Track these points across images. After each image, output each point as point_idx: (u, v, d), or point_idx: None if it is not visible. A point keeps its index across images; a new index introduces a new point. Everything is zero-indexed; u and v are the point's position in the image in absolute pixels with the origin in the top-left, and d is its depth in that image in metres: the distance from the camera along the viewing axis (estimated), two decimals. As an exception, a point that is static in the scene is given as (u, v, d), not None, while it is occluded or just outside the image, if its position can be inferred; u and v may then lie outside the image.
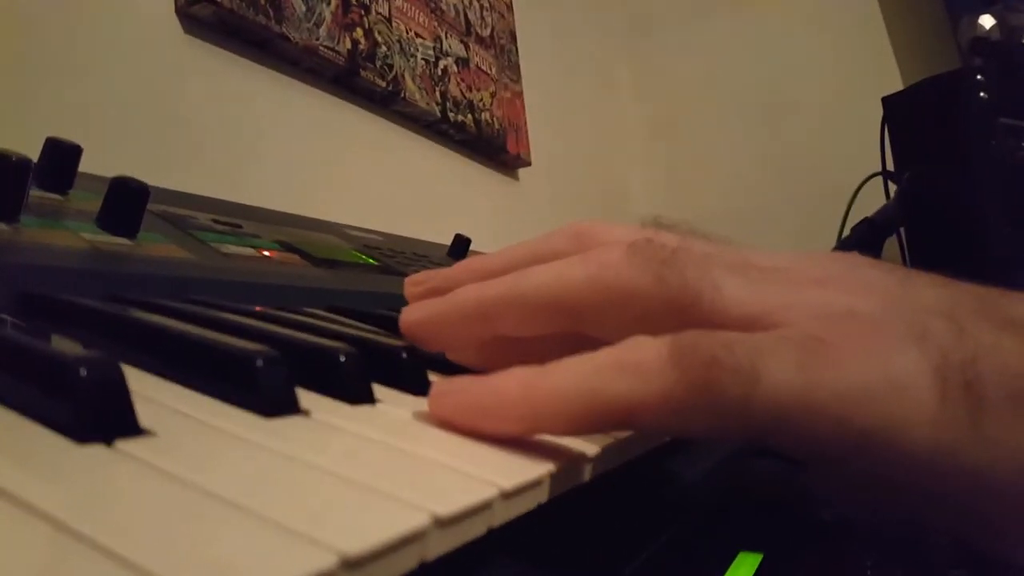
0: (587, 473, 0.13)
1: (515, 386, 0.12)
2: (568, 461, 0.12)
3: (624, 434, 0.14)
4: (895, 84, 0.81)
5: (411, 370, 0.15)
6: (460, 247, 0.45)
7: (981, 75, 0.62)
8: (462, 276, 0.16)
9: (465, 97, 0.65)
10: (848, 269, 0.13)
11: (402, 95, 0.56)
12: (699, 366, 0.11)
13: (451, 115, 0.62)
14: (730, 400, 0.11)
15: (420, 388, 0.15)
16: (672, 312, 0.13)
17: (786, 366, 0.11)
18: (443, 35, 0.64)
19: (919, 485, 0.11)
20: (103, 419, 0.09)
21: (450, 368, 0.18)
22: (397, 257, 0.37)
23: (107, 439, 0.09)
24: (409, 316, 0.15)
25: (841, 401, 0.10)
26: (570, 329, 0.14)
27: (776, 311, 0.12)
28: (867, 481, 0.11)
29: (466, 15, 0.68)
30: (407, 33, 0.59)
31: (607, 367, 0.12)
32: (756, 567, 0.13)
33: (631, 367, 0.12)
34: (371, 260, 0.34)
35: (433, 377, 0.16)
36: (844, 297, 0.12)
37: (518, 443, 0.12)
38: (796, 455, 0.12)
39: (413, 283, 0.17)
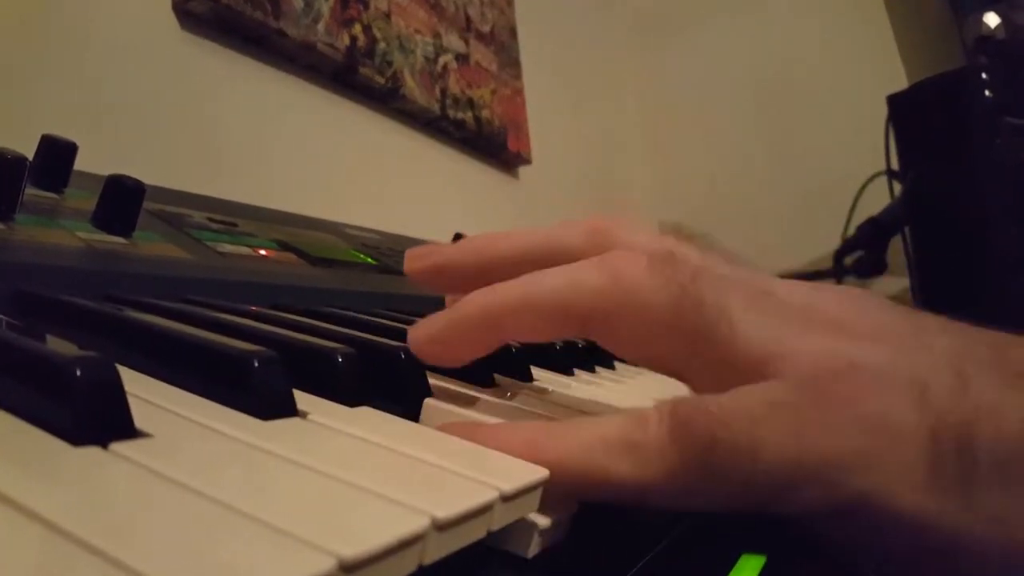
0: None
1: (520, 445, 0.12)
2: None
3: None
4: (900, 83, 0.80)
5: (410, 372, 0.15)
6: (460, 245, 0.44)
7: (986, 74, 0.62)
8: (467, 257, 0.16)
9: (465, 94, 0.65)
10: (862, 314, 0.13)
11: (401, 92, 0.56)
12: (699, 448, 0.11)
13: (451, 112, 0.62)
14: (732, 481, 0.11)
15: (419, 391, 0.15)
16: (683, 336, 0.13)
17: (782, 434, 0.11)
18: (443, 31, 0.64)
19: (902, 545, 0.11)
20: (98, 421, 0.09)
21: (455, 370, 0.18)
22: (396, 256, 0.36)
23: (102, 441, 0.09)
24: (417, 334, 0.15)
25: (832, 467, 0.11)
26: (580, 335, 0.14)
27: (781, 359, 0.12)
28: (855, 539, 0.12)
29: (466, 11, 0.68)
30: (406, 29, 0.58)
31: (614, 445, 0.12)
32: (759, 570, 0.13)
33: (637, 447, 0.12)
34: (369, 259, 0.34)
35: (433, 379, 0.16)
36: (851, 346, 0.12)
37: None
38: (795, 517, 0.12)
39: (414, 257, 0.16)
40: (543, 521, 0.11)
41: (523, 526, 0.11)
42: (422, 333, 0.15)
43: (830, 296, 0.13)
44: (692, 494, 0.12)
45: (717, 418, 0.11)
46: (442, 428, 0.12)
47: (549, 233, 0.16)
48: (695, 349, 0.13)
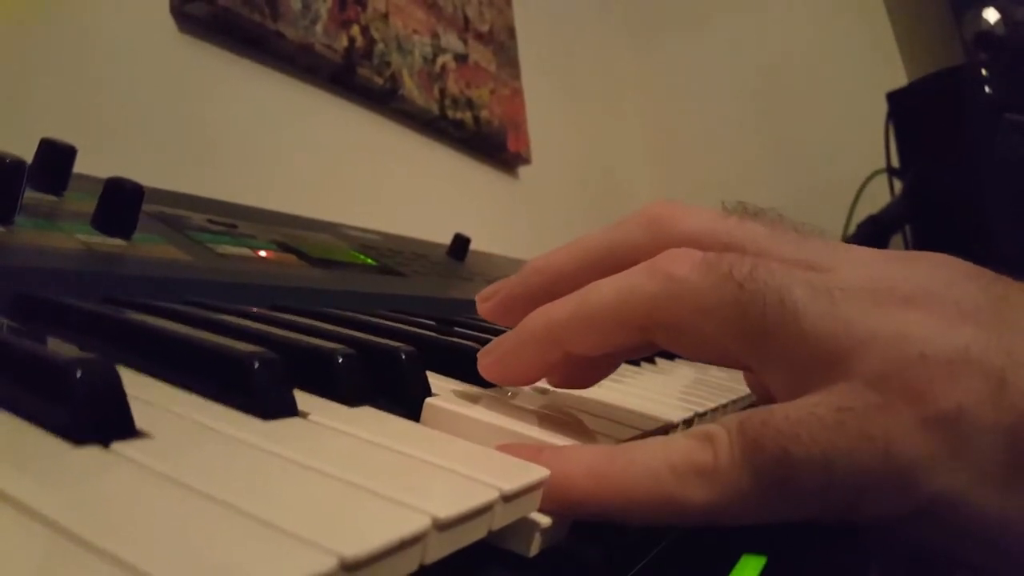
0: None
1: (583, 475, 0.11)
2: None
3: (627, 438, 0.14)
4: (899, 80, 0.80)
5: (411, 372, 0.15)
6: (459, 246, 0.44)
7: (986, 70, 0.62)
8: (530, 280, 0.16)
9: (464, 94, 0.65)
10: (944, 286, 0.12)
11: (400, 92, 0.56)
12: (772, 465, 0.11)
13: (450, 112, 0.62)
14: (807, 493, 0.11)
15: (420, 390, 0.15)
16: (747, 335, 0.12)
17: (854, 442, 0.11)
18: (441, 31, 0.63)
19: (982, 547, 0.11)
20: (99, 421, 0.09)
21: (452, 368, 0.18)
22: (396, 257, 0.36)
23: (103, 441, 0.09)
24: (485, 361, 0.15)
25: (906, 471, 0.10)
26: (643, 343, 0.14)
27: (849, 354, 0.11)
28: (934, 541, 0.11)
29: (464, 11, 0.68)
30: (404, 30, 0.58)
31: (682, 470, 0.11)
32: (759, 570, 0.13)
33: (707, 471, 0.11)
34: (369, 260, 0.34)
35: (433, 379, 0.16)
36: (923, 330, 0.11)
37: (519, 443, 0.12)
38: (866, 522, 0.12)
39: (483, 298, 0.17)
40: (544, 520, 0.11)
41: (525, 525, 0.11)
42: (489, 359, 0.15)
43: (900, 267, 0.13)
44: (767, 511, 0.11)
45: (787, 432, 0.11)
46: (503, 449, 0.12)
47: (605, 235, 0.16)
48: (762, 346, 0.12)
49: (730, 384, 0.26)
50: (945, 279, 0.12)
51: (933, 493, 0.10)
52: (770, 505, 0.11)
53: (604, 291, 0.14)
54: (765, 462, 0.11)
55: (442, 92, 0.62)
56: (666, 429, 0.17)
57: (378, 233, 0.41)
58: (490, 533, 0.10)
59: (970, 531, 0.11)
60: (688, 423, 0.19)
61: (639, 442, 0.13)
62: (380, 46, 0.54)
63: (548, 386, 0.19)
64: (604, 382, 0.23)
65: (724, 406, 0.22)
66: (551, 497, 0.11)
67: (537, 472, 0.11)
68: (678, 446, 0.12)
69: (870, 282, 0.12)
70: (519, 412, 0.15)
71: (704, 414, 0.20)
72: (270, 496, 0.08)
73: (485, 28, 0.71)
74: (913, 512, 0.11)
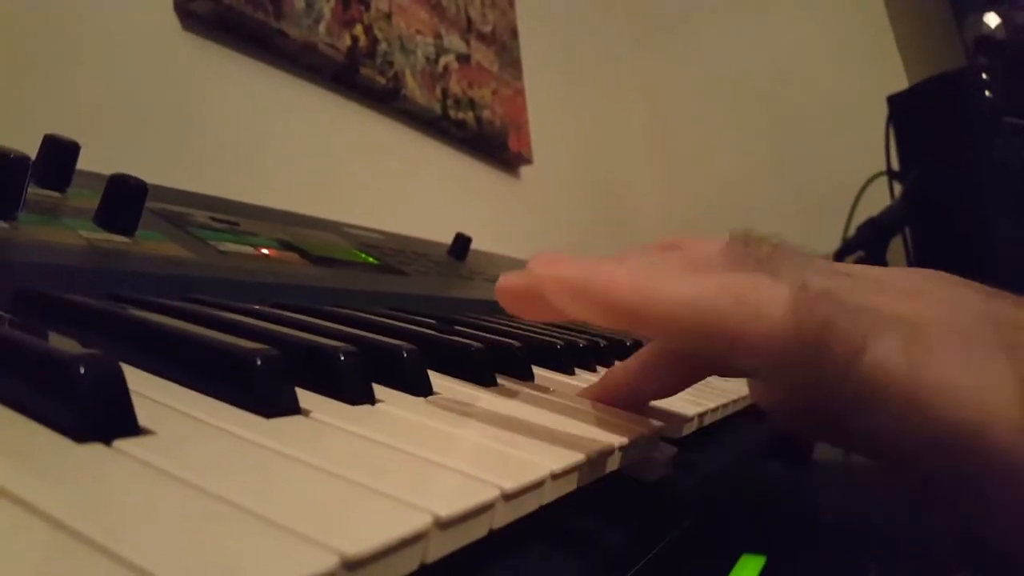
0: (591, 475, 0.12)
1: (624, 278, 0.12)
2: (571, 463, 0.12)
3: (626, 437, 0.14)
4: (900, 83, 0.80)
5: (412, 370, 0.15)
6: (460, 245, 0.44)
7: (986, 74, 0.62)
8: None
9: (466, 94, 0.65)
10: (937, 286, 0.13)
11: (402, 92, 0.56)
12: (815, 323, 0.11)
13: (452, 113, 0.62)
14: (834, 362, 0.11)
15: (422, 388, 0.15)
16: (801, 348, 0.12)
17: (893, 347, 0.11)
18: (444, 32, 0.64)
19: (988, 482, 0.11)
20: (102, 418, 0.09)
21: (453, 367, 0.18)
22: (397, 256, 0.36)
23: (106, 438, 0.09)
24: (502, 286, 0.15)
25: (936, 393, 0.11)
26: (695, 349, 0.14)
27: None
28: (934, 473, 0.12)
29: (467, 11, 0.68)
30: (407, 30, 0.58)
31: (726, 290, 0.12)
32: (759, 570, 0.13)
33: (750, 299, 0.12)
34: (371, 259, 0.34)
35: (434, 377, 0.16)
36: (935, 309, 0.12)
37: (518, 445, 0.12)
38: (874, 438, 0.12)
39: (504, 291, 0.15)
40: (594, 452, 0.11)
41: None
42: (550, 270, 0.14)
43: (905, 272, 0.14)
44: (788, 366, 0.12)
45: (844, 307, 0.12)
46: (539, 269, 0.12)
47: (624, 257, 0.16)
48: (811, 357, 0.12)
49: (726, 385, 0.26)
50: (938, 282, 0.14)
51: (954, 421, 0.11)
52: (795, 358, 0.11)
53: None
54: (810, 317, 0.11)
55: (444, 92, 0.62)
56: (665, 429, 0.17)
57: (380, 232, 0.41)
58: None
59: (980, 461, 0.11)
60: (687, 422, 0.19)
61: (677, 269, 0.13)
62: (383, 46, 0.55)
63: (549, 386, 0.19)
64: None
65: (724, 405, 0.22)
66: (592, 290, 0.12)
67: (541, 470, 0.11)
68: (727, 277, 0.12)
69: (876, 276, 0.13)
70: (520, 410, 0.15)
71: (704, 414, 0.20)
72: (272, 494, 0.08)
73: (488, 29, 0.71)
74: (928, 436, 0.11)
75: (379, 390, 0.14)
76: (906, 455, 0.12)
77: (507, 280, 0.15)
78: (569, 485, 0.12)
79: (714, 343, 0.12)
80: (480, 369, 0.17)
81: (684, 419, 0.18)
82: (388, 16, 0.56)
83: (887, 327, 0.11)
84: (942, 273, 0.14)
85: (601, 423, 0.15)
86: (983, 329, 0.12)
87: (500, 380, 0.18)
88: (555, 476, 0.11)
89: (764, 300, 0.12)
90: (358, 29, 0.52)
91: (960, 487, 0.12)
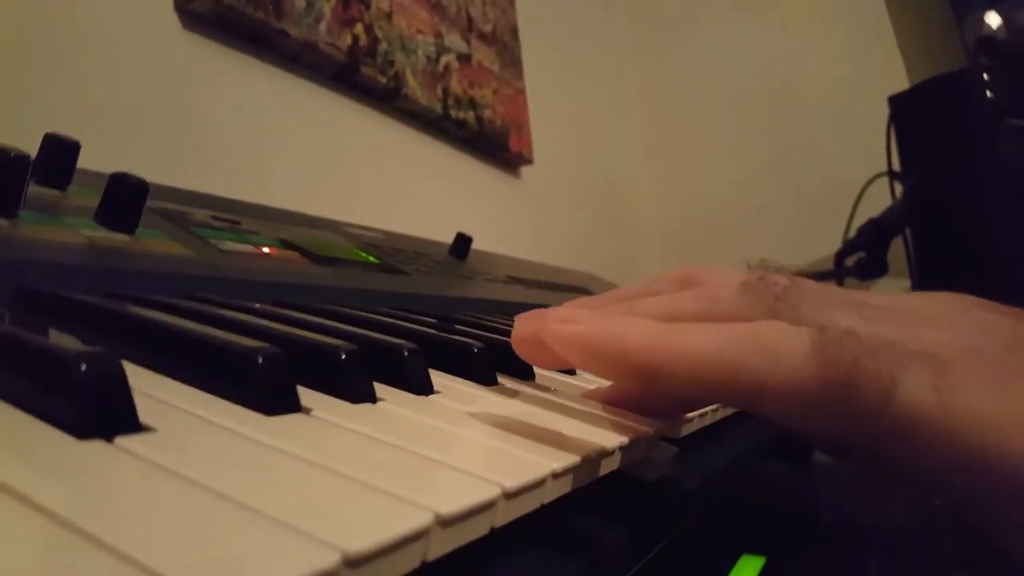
0: (591, 474, 0.12)
1: (640, 337, 0.12)
2: (572, 461, 0.12)
3: (629, 435, 0.14)
4: (901, 83, 0.80)
5: (413, 369, 0.15)
6: (461, 245, 0.44)
7: (987, 74, 0.62)
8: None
9: (467, 94, 0.65)
10: (962, 311, 0.13)
11: (403, 92, 0.56)
12: (840, 365, 0.11)
13: (452, 112, 0.62)
14: (864, 405, 0.11)
15: (423, 387, 0.15)
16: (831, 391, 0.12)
17: (923, 383, 0.11)
18: (444, 31, 0.64)
19: (1015, 510, 0.11)
20: (103, 415, 0.09)
21: (453, 366, 0.18)
22: (398, 255, 0.36)
23: (107, 435, 0.09)
24: (517, 333, 0.15)
25: (969, 427, 0.11)
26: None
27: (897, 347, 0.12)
28: (962, 501, 0.12)
29: (468, 11, 0.68)
30: (408, 29, 0.58)
31: (743, 340, 0.12)
32: (759, 570, 0.13)
33: (769, 348, 0.11)
34: (372, 258, 0.34)
35: (435, 376, 0.16)
36: (963, 337, 0.12)
37: (519, 444, 0.12)
38: (906, 470, 0.12)
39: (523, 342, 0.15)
40: (594, 451, 0.11)
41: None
42: (562, 328, 0.13)
43: (928, 298, 0.13)
44: (817, 413, 0.11)
45: (866, 346, 0.11)
46: (551, 331, 0.12)
47: (640, 289, 0.16)
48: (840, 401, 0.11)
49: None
50: (964, 307, 0.13)
51: (987, 453, 0.11)
52: (823, 405, 0.11)
53: (647, 305, 0.14)
54: (834, 361, 0.11)
55: (445, 92, 0.62)
56: (666, 429, 0.17)
57: (380, 231, 0.41)
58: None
59: (1010, 493, 0.11)
60: (688, 422, 0.19)
61: (693, 323, 0.13)
62: (384, 45, 0.55)
63: (550, 384, 0.19)
64: (606, 381, 0.23)
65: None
66: (606, 351, 0.12)
67: (542, 469, 0.11)
68: (742, 325, 0.12)
69: (898, 307, 0.13)
70: (521, 409, 0.15)
71: (704, 414, 0.20)
72: (273, 491, 0.08)
73: (488, 28, 0.71)
74: (959, 468, 0.11)
75: (380, 388, 0.14)
76: (942, 484, 0.12)
77: (520, 330, 0.15)
78: (570, 484, 0.12)
79: (738, 395, 0.12)
80: (481, 368, 0.17)
81: (684, 419, 0.18)
82: (389, 15, 0.56)
83: (913, 362, 0.11)
84: (969, 298, 0.14)
85: (602, 423, 0.15)
86: (1014, 356, 0.11)
87: (501, 379, 0.18)
88: (556, 475, 0.11)
89: (785, 347, 0.12)
90: (359, 28, 0.52)
91: (984, 505, 0.11)
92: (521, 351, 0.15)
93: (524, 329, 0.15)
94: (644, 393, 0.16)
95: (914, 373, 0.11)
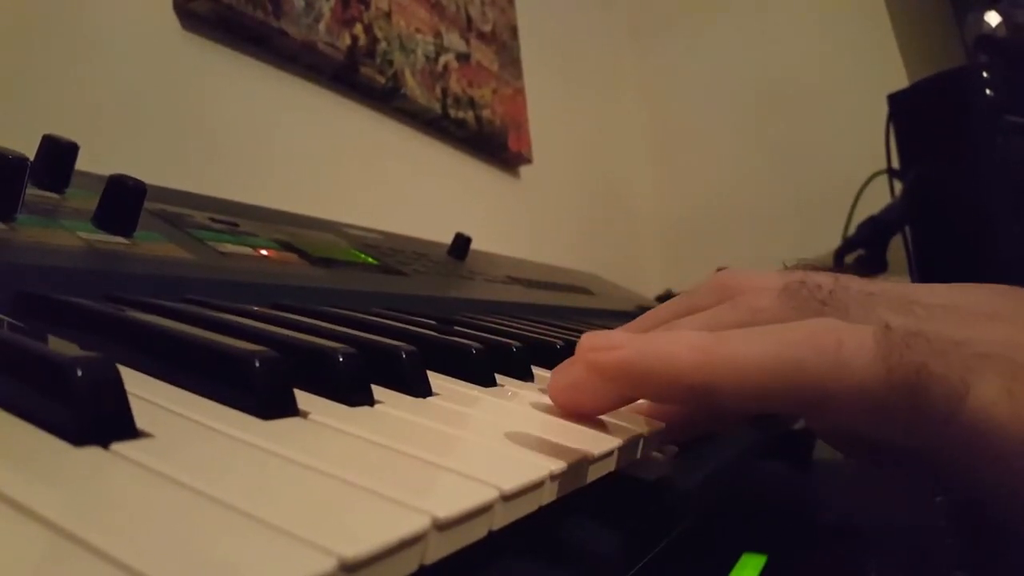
0: (590, 475, 0.12)
1: (688, 352, 0.11)
2: (570, 463, 0.12)
3: (627, 436, 0.14)
4: (901, 81, 0.80)
5: (411, 371, 0.15)
6: (460, 245, 0.44)
7: (987, 72, 0.62)
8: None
9: (466, 93, 0.65)
10: (1020, 304, 0.12)
11: (402, 91, 0.56)
12: (908, 368, 0.10)
13: (452, 112, 0.62)
14: (933, 410, 0.10)
15: (421, 389, 0.15)
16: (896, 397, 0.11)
17: (996, 388, 0.10)
18: (444, 31, 0.63)
19: None
20: (99, 421, 0.09)
21: (452, 367, 0.18)
22: (397, 256, 0.36)
23: (104, 441, 0.09)
24: (556, 382, 0.14)
25: None
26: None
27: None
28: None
29: (467, 10, 0.68)
30: (407, 29, 0.58)
31: (801, 342, 0.11)
32: (760, 569, 0.13)
33: (830, 350, 0.11)
34: (370, 259, 0.34)
35: (434, 378, 0.16)
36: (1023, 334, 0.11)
37: (517, 446, 0.12)
38: (971, 479, 0.11)
39: (555, 386, 0.14)
40: (594, 451, 0.11)
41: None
42: (560, 382, 0.13)
43: (981, 292, 0.13)
44: (884, 418, 0.11)
45: (934, 347, 0.11)
46: (590, 362, 0.11)
47: (677, 303, 0.15)
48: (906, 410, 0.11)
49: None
50: (1021, 300, 0.12)
51: None
52: (890, 410, 0.11)
53: (685, 325, 0.13)
54: (901, 364, 0.10)
55: (444, 91, 0.62)
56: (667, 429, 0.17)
57: (379, 232, 0.41)
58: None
59: None
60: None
61: (745, 328, 0.12)
62: (383, 45, 0.54)
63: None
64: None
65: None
66: (656, 374, 0.11)
67: (540, 470, 0.11)
68: (795, 324, 0.11)
69: (951, 303, 0.12)
70: (520, 411, 0.15)
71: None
72: (270, 496, 0.08)
73: (487, 28, 0.71)
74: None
75: (378, 391, 0.14)
76: (1012, 495, 0.11)
77: (560, 378, 0.13)
78: (569, 486, 0.12)
79: (799, 403, 0.11)
80: (479, 369, 0.17)
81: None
82: (388, 15, 0.56)
83: (984, 366, 0.10)
84: (1017, 289, 0.13)
85: (601, 423, 0.15)
86: None
87: (500, 380, 0.18)
88: (554, 477, 0.11)
89: (848, 349, 0.11)
90: (358, 28, 0.52)
91: None
92: (561, 401, 0.13)
93: (561, 378, 0.13)
94: (691, 412, 0.15)
95: (986, 377, 0.10)
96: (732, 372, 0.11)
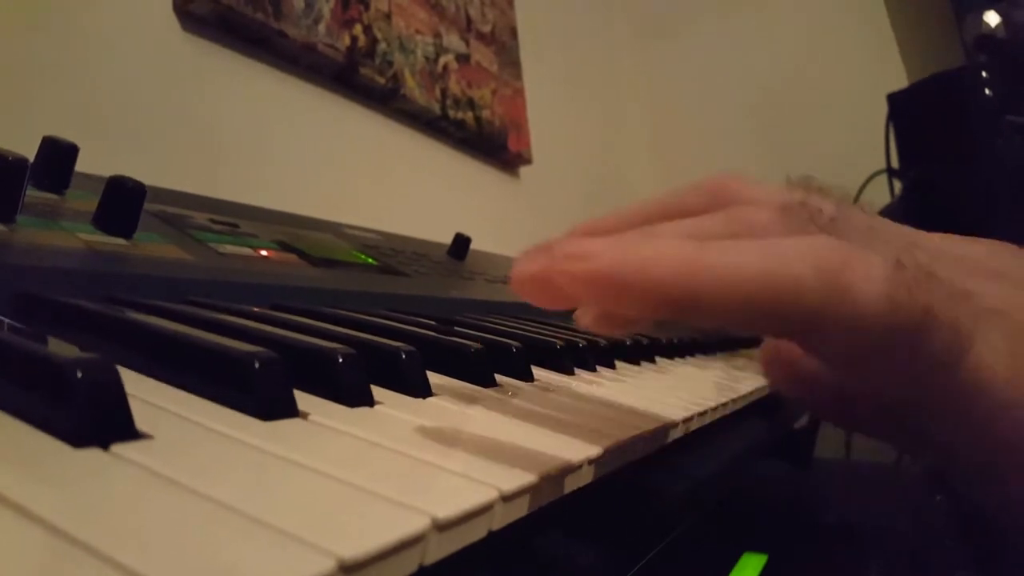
0: (590, 474, 0.12)
1: (674, 259, 0.10)
2: (570, 462, 0.12)
3: (628, 436, 0.14)
4: (900, 81, 0.80)
5: (411, 372, 0.15)
6: (460, 246, 0.44)
7: (986, 72, 0.62)
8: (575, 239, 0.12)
9: (465, 94, 0.65)
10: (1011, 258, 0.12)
11: (402, 92, 0.56)
12: (916, 309, 0.09)
13: (451, 112, 0.62)
14: (932, 356, 0.10)
15: (420, 390, 0.15)
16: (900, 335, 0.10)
17: (999, 346, 0.10)
18: (443, 31, 0.63)
19: None
20: (99, 423, 0.09)
21: (452, 368, 0.18)
22: (397, 256, 0.36)
23: (104, 443, 0.09)
24: (521, 271, 0.12)
25: None
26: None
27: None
28: (1006, 480, 0.10)
29: (467, 11, 0.68)
30: (407, 30, 0.58)
31: (800, 258, 0.10)
32: (760, 569, 0.13)
33: (832, 271, 0.09)
34: (370, 260, 0.34)
35: (434, 378, 0.16)
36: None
37: (519, 444, 0.12)
38: (953, 434, 0.10)
39: (517, 273, 0.12)
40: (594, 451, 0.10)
41: None
42: (574, 265, 0.11)
43: (991, 247, 0.12)
44: (880, 355, 0.10)
45: (948, 290, 0.10)
46: (561, 270, 0.10)
47: (663, 198, 0.14)
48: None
49: (730, 383, 0.26)
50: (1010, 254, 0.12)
51: None
52: (890, 347, 0.10)
53: (668, 229, 0.11)
54: (909, 303, 0.09)
55: (444, 92, 0.62)
56: (667, 428, 0.17)
57: (379, 233, 0.41)
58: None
59: None
60: (687, 421, 0.18)
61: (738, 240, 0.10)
62: (382, 46, 0.55)
63: (549, 386, 0.19)
64: (605, 382, 0.23)
65: (724, 404, 0.22)
66: (634, 286, 0.10)
67: (540, 470, 0.11)
68: (792, 239, 0.10)
69: (957, 253, 0.12)
70: (520, 412, 0.15)
71: (704, 412, 0.20)
72: (269, 497, 0.08)
73: (487, 28, 0.71)
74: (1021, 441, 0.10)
75: (378, 392, 0.14)
76: (991, 455, 0.10)
77: (524, 266, 0.12)
78: (570, 485, 0.12)
79: (790, 325, 0.10)
80: (479, 370, 0.17)
81: (671, 424, 0.17)
82: (387, 16, 0.56)
83: (990, 322, 0.10)
84: (1020, 249, 0.12)
85: (603, 422, 0.15)
86: None
87: (499, 380, 0.18)
88: (556, 477, 0.11)
89: (854, 273, 0.09)
90: (357, 29, 0.52)
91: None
92: (524, 292, 0.12)
93: (529, 265, 0.11)
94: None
95: (991, 333, 0.10)
96: (719, 284, 0.10)
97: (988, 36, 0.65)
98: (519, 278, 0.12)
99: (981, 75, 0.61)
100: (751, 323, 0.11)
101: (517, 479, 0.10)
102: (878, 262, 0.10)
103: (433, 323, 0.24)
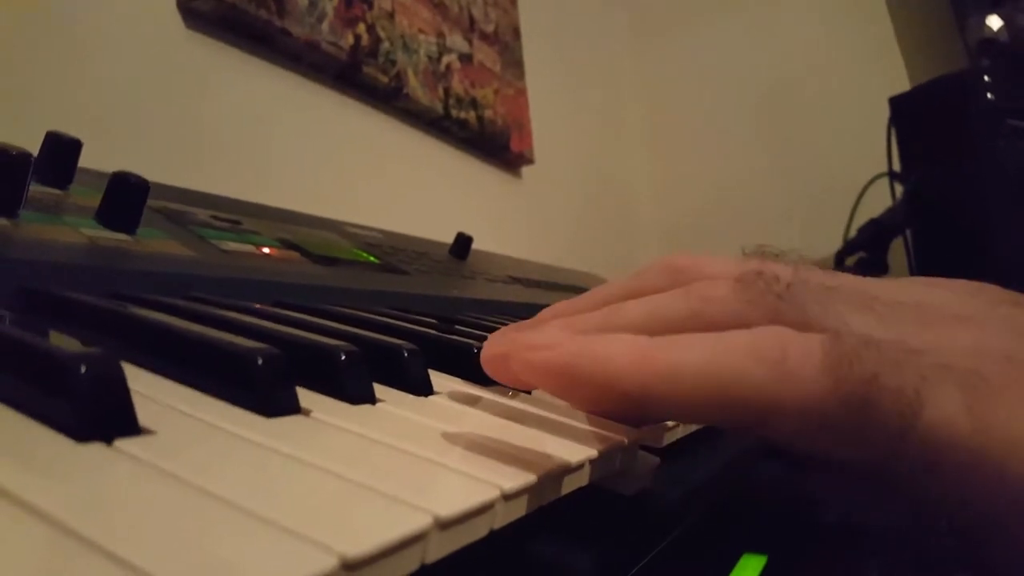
0: (590, 474, 0.12)
1: (625, 355, 0.10)
2: (570, 463, 0.12)
3: (630, 435, 0.14)
4: (902, 84, 0.80)
5: (413, 370, 0.15)
6: (462, 245, 0.44)
7: (988, 76, 0.62)
8: (549, 321, 0.14)
9: (468, 94, 0.65)
10: (990, 307, 0.11)
11: (404, 91, 0.56)
12: (857, 380, 0.10)
13: (454, 112, 0.62)
14: (884, 425, 0.10)
15: (422, 388, 0.15)
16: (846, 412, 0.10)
17: (953, 402, 0.10)
18: (446, 31, 0.63)
19: None
20: (102, 417, 0.09)
21: (453, 366, 0.18)
22: (398, 255, 0.36)
23: (106, 438, 0.09)
24: (490, 351, 0.13)
25: (1008, 450, 0.09)
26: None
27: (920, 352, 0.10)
28: (996, 535, 0.10)
29: (470, 11, 0.68)
30: (410, 29, 0.58)
31: (742, 352, 0.10)
32: (760, 569, 0.13)
33: (774, 360, 0.10)
34: (372, 258, 0.34)
35: (435, 377, 0.16)
36: (995, 340, 0.10)
37: (520, 443, 0.12)
38: (929, 498, 0.10)
39: (488, 352, 0.13)
40: (594, 451, 0.10)
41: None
42: (531, 355, 0.11)
43: (951, 290, 0.12)
44: (832, 436, 0.10)
45: (887, 357, 0.10)
46: (521, 360, 0.11)
47: (627, 283, 0.14)
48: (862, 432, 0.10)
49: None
50: (991, 302, 0.12)
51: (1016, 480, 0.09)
52: (839, 427, 0.10)
53: (631, 308, 0.12)
54: (850, 376, 0.10)
55: (446, 91, 0.62)
56: (665, 431, 0.17)
57: (381, 231, 0.41)
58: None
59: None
60: (686, 424, 0.18)
61: (688, 334, 0.11)
62: (386, 45, 0.55)
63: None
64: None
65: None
66: (586, 380, 0.10)
67: (541, 470, 0.11)
68: (740, 333, 0.10)
69: (917, 301, 0.11)
70: (520, 411, 0.15)
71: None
72: (271, 494, 0.08)
73: (490, 28, 0.71)
74: (997, 495, 0.09)
75: (380, 389, 0.14)
76: (976, 516, 0.10)
77: (490, 348, 0.13)
78: (572, 485, 0.12)
79: (738, 417, 0.10)
80: (481, 368, 0.17)
81: (664, 427, 0.17)
82: (391, 15, 0.56)
83: (943, 377, 0.10)
84: (992, 289, 0.12)
85: (603, 424, 0.15)
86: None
87: (500, 380, 0.18)
88: (556, 476, 0.11)
89: (793, 359, 0.10)
90: (361, 28, 0.52)
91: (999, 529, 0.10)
92: (490, 370, 0.13)
93: (494, 348, 0.13)
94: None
95: (943, 390, 0.09)
96: (668, 380, 0.10)
97: (990, 40, 0.65)
98: (484, 358, 0.13)
99: (983, 79, 0.61)
100: (706, 416, 0.11)
101: (518, 478, 0.10)
102: (816, 341, 0.10)
103: (435, 322, 0.24)
